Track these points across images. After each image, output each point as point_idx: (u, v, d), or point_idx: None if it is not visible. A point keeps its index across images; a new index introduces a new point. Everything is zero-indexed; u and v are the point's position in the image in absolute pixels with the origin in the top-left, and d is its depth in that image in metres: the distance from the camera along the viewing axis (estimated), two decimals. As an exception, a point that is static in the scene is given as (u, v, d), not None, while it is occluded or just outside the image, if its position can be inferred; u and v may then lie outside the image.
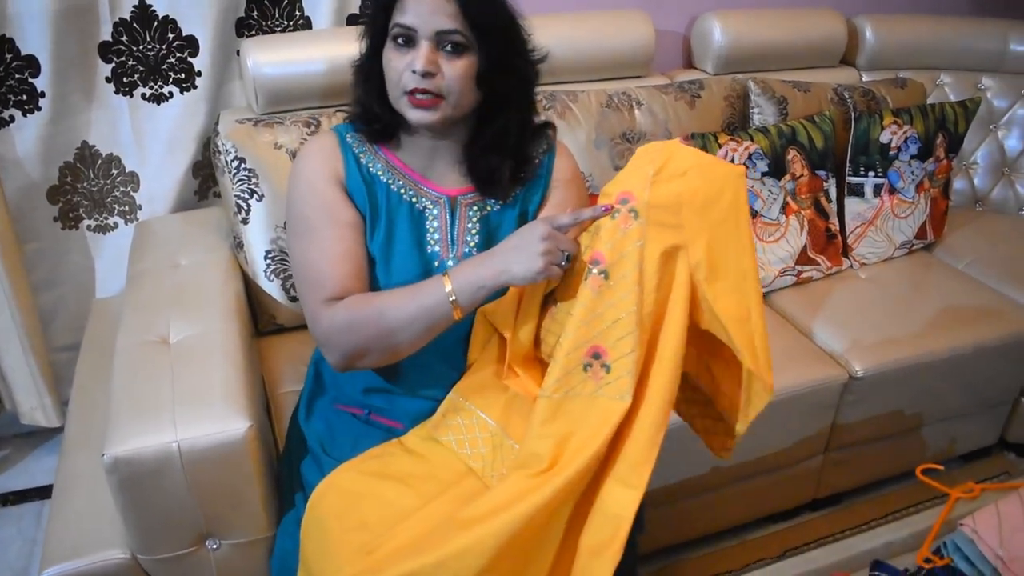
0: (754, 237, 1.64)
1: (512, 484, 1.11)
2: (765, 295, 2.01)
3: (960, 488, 1.63)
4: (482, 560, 1.03)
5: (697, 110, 2.16)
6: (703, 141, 2.04)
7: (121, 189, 1.98)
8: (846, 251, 2.23)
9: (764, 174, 2.06)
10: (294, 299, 1.78)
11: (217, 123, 1.82)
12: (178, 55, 1.88)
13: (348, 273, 1.27)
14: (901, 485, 2.19)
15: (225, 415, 1.26)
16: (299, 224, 1.31)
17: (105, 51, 1.83)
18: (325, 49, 1.87)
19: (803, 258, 2.12)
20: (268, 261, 1.76)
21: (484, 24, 1.21)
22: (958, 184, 2.67)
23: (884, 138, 2.21)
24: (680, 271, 1.14)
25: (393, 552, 1.10)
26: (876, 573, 1.46)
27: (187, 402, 1.28)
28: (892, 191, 2.23)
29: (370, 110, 1.32)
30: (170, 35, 1.86)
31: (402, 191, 1.34)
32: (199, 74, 1.91)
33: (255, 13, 1.93)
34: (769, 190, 2.07)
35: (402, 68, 1.21)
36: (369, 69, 1.30)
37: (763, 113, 2.23)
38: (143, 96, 1.90)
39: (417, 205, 1.34)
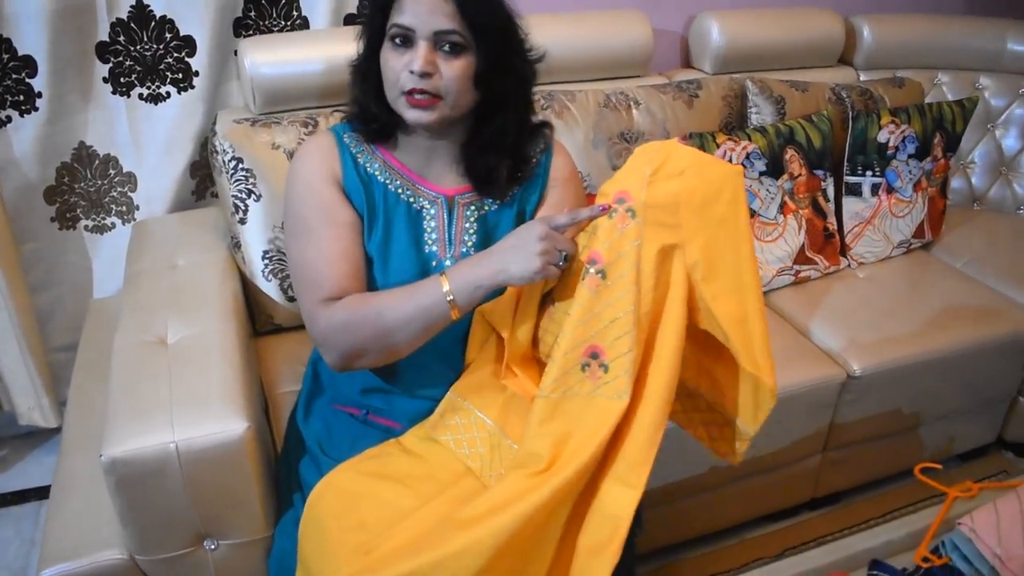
0: (753, 238, 1.64)
1: (510, 484, 1.11)
2: (763, 294, 2.01)
3: (958, 487, 1.63)
4: (480, 560, 1.03)
5: (695, 110, 2.16)
6: (701, 141, 2.04)
7: (118, 189, 1.98)
8: (844, 250, 2.23)
9: (762, 174, 2.06)
10: (292, 299, 1.78)
11: (214, 123, 1.81)
12: (175, 55, 1.88)
13: (346, 273, 1.27)
14: (899, 484, 2.19)
15: (223, 415, 1.26)
16: (296, 224, 1.30)
17: (102, 51, 1.83)
18: (323, 49, 1.87)
19: (801, 257, 2.12)
20: (266, 261, 1.76)
21: (482, 24, 1.21)
22: (956, 183, 2.67)
23: (882, 137, 2.21)
24: (677, 270, 1.14)
25: (391, 552, 1.10)
26: (874, 572, 1.46)
27: (185, 403, 1.28)
28: (890, 190, 2.24)
29: (367, 110, 1.32)
30: (167, 35, 1.86)
31: (399, 191, 1.34)
32: (196, 74, 1.91)
33: (252, 13, 1.93)
34: (767, 190, 2.07)
35: (400, 68, 1.21)
36: (366, 69, 1.30)
37: (761, 113, 2.23)
38: (140, 96, 1.90)
39: (415, 205, 1.34)
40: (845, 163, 2.21)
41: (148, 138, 1.94)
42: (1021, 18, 2.67)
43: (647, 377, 1.13)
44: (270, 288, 1.78)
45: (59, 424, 2.00)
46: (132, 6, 1.80)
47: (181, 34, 1.86)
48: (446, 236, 1.34)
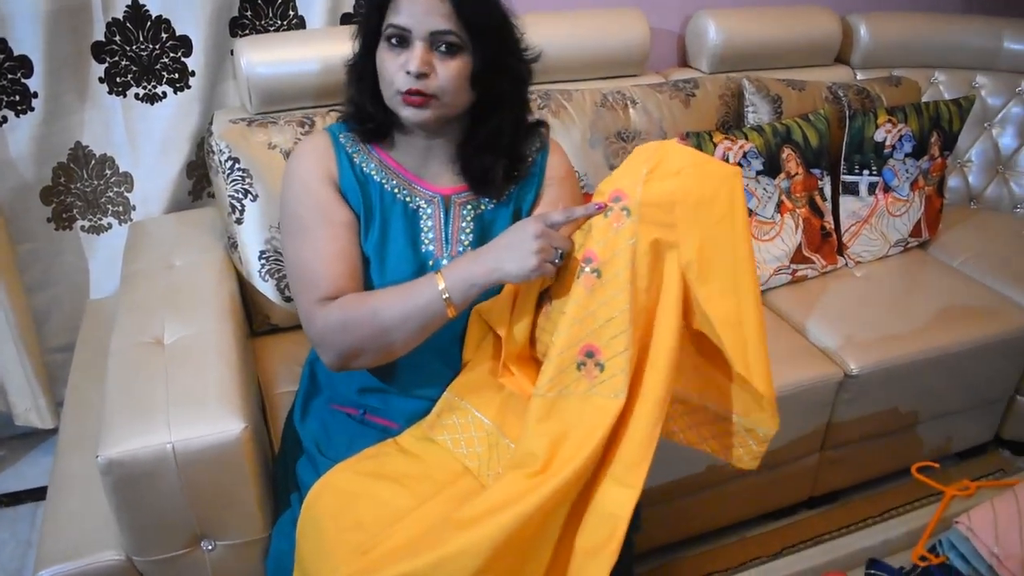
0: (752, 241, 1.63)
1: (508, 484, 1.11)
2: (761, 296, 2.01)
3: (956, 486, 1.63)
4: (478, 561, 1.03)
5: (692, 109, 2.16)
6: (698, 140, 2.04)
7: (115, 190, 1.98)
8: (841, 249, 2.23)
9: (759, 173, 2.06)
10: (289, 299, 1.78)
11: (211, 123, 1.81)
12: (171, 55, 1.88)
13: (342, 273, 1.27)
14: (897, 483, 2.19)
15: (220, 416, 1.26)
16: (293, 224, 1.30)
17: (98, 51, 1.82)
18: (319, 49, 1.86)
19: (798, 256, 2.12)
20: (262, 261, 1.76)
21: (478, 24, 1.21)
22: (952, 182, 2.67)
23: (879, 136, 2.21)
24: (673, 270, 1.13)
25: (389, 552, 1.10)
26: (872, 571, 1.46)
27: (182, 403, 1.28)
28: (887, 189, 2.24)
29: (363, 109, 1.32)
30: (163, 35, 1.85)
31: (396, 190, 1.34)
32: (192, 74, 1.90)
33: (249, 13, 1.93)
34: (764, 189, 2.07)
35: (396, 68, 1.21)
36: (362, 68, 1.30)
37: (758, 112, 2.23)
38: (136, 96, 1.90)
39: (411, 204, 1.34)
40: (842, 162, 2.21)
41: (144, 138, 1.93)
42: (1018, 16, 2.67)
43: (643, 377, 1.13)
44: (267, 288, 1.77)
45: (56, 425, 1.99)
46: (128, 6, 1.80)
47: (177, 34, 1.86)
48: (443, 235, 1.34)
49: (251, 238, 1.75)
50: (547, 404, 1.15)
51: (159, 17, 1.83)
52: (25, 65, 1.74)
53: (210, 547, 1.33)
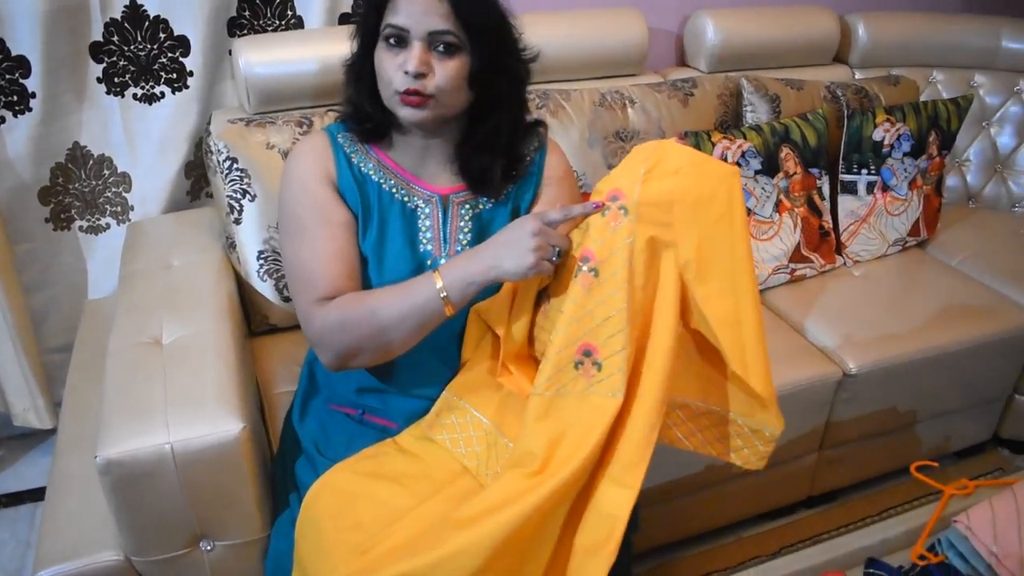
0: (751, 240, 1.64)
1: (507, 483, 1.11)
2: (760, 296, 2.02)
3: (954, 485, 1.63)
4: (477, 561, 1.03)
5: (690, 108, 2.16)
6: (696, 139, 2.04)
7: (113, 190, 1.97)
8: (839, 248, 2.23)
9: (757, 172, 2.06)
10: (287, 299, 1.78)
11: (209, 123, 1.81)
12: (169, 55, 1.87)
13: (340, 273, 1.27)
14: (896, 482, 2.19)
15: (218, 416, 1.26)
16: (291, 224, 1.30)
17: (96, 51, 1.82)
18: (317, 49, 1.86)
19: (797, 256, 2.12)
20: (261, 261, 1.76)
21: (476, 24, 1.20)
22: (951, 181, 2.68)
23: (877, 135, 2.21)
24: (669, 269, 1.13)
25: (388, 552, 1.10)
26: (871, 570, 1.46)
27: (180, 403, 1.28)
28: (885, 188, 2.24)
29: (361, 109, 1.32)
30: (161, 35, 1.85)
31: (394, 190, 1.34)
32: (191, 74, 1.90)
33: (247, 12, 1.93)
34: (762, 188, 2.07)
35: (394, 68, 1.21)
36: (360, 68, 1.30)
37: (756, 111, 2.23)
38: (135, 96, 1.89)
39: (409, 204, 1.34)
40: (840, 161, 2.21)
41: (142, 138, 1.93)
42: (1016, 16, 2.67)
43: (640, 377, 1.13)
44: (265, 288, 1.77)
45: (54, 425, 1.99)
46: (126, 6, 1.80)
47: (175, 34, 1.86)
48: (441, 235, 1.34)
49: (249, 238, 1.75)
50: (545, 403, 1.15)
51: (157, 17, 1.83)
52: (23, 65, 1.74)
53: (209, 547, 1.33)
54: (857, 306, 2.07)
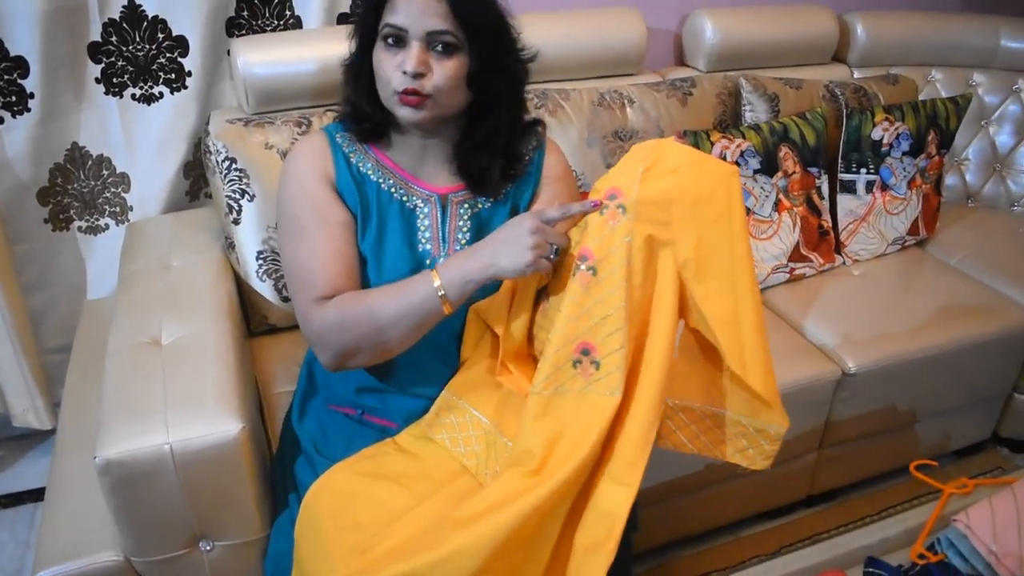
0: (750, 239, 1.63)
1: (506, 483, 1.11)
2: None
3: (953, 484, 1.63)
4: (478, 560, 1.03)
5: (689, 108, 2.16)
6: (695, 139, 2.04)
7: (112, 190, 1.97)
8: (839, 248, 2.24)
9: (756, 171, 2.06)
10: (286, 299, 1.78)
11: (208, 123, 1.81)
12: (168, 55, 1.87)
13: (339, 272, 1.27)
14: (895, 481, 2.19)
15: (218, 416, 1.26)
16: (290, 224, 1.30)
17: (95, 52, 1.82)
18: (316, 49, 1.86)
19: (796, 255, 2.12)
20: (260, 261, 1.76)
21: (474, 24, 1.20)
22: (950, 180, 2.67)
23: (876, 135, 2.21)
24: (667, 268, 1.13)
25: (387, 552, 1.10)
26: (871, 569, 1.46)
27: (179, 404, 1.28)
28: (884, 188, 2.24)
29: (360, 109, 1.32)
30: (160, 35, 1.85)
31: (392, 190, 1.34)
32: (189, 74, 1.90)
33: (245, 13, 1.93)
34: (761, 187, 2.07)
35: (392, 68, 1.21)
36: (359, 68, 1.30)
37: (755, 110, 2.23)
38: (133, 97, 1.89)
39: (408, 204, 1.34)
40: (839, 160, 2.21)
41: (141, 139, 1.93)
42: (1015, 15, 2.67)
43: (639, 375, 1.13)
44: (264, 288, 1.77)
45: (53, 426, 1.99)
46: (124, 6, 1.80)
47: (173, 34, 1.86)
48: (440, 235, 1.34)
49: (248, 238, 1.75)
50: (543, 402, 1.14)
51: (155, 17, 1.83)
52: (21, 66, 1.74)
53: (208, 547, 1.33)
54: (856, 305, 2.07)
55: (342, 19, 2.00)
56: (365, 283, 1.32)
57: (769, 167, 2.08)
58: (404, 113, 1.23)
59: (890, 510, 2.11)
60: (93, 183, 1.95)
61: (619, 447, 1.11)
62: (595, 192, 1.16)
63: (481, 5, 1.22)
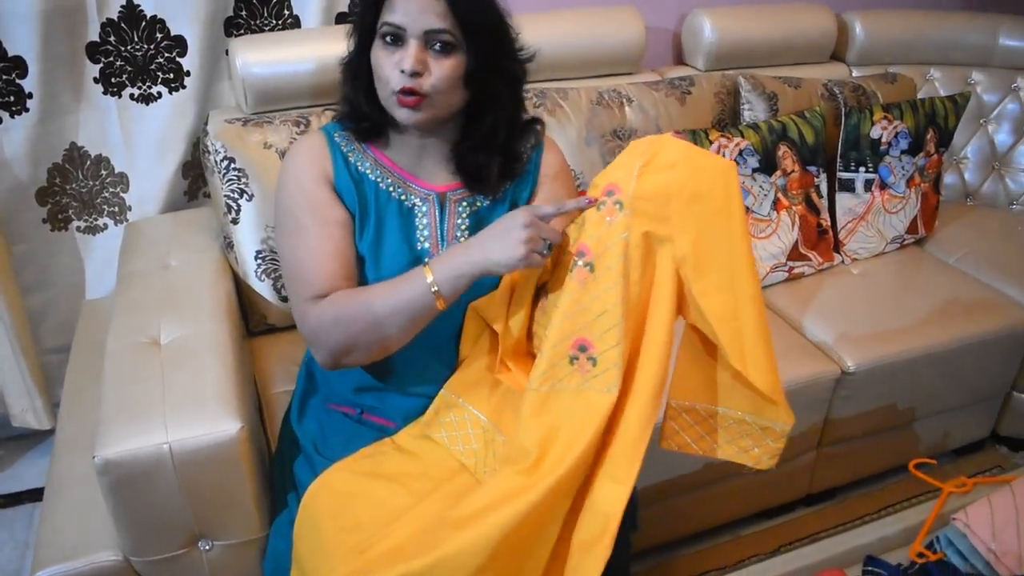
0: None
1: (502, 481, 1.11)
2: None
3: (952, 482, 1.63)
4: (477, 560, 1.03)
5: (688, 106, 2.16)
6: (694, 137, 2.03)
7: (110, 190, 1.97)
8: (837, 246, 2.24)
9: (755, 170, 2.06)
10: (285, 299, 1.78)
11: (206, 123, 1.81)
12: (166, 55, 1.87)
13: (336, 271, 1.27)
14: (894, 480, 2.19)
15: (217, 416, 1.26)
16: (288, 223, 1.30)
17: (93, 51, 1.82)
18: (314, 48, 1.86)
19: (795, 254, 2.12)
20: (258, 261, 1.76)
21: (473, 23, 1.20)
22: (949, 179, 2.67)
23: (874, 133, 2.21)
24: (665, 264, 1.13)
25: (387, 552, 1.10)
26: (870, 568, 1.46)
27: (178, 403, 1.28)
28: (883, 186, 2.24)
29: (358, 108, 1.32)
30: (158, 35, 1.85)
31: (391, 189, 1.34)
32: (188, 74, 1.90)
33: (244, 12, 1.93)
34: (760, 186, 2.07)
35: (390, 67, 1.21)
36: (357, 67, 1.30)
37: (753, 109, 2.23)
38: (132, 96, 1.89)
39: (406, 203, 1.34)
40: (838, 159, 2.21)
41: (140, 138, 1.93)
42: (1013, 13, 2.67)
43: (635, 373, 1.12)
44: (263, 288, 1.77)
45: (52, 426, 1.99)
46: (122, 6, 1.80)
47: (172, 34, 1.86)
48: (438, 233, 1.34)
49: (247, 238, 1.75)
50: (540, 398, 1.14)
51: (154, 17, 1.83)
52: (19, 66, 1.74)
53: (207, 547, 1.33)
54: (855, 304, 2.07)
55: (340, 19, 2.00)
56: (363, 282, 1.31)
57: (768, 166, 2.08)
58: (402, 115, 1.23)
59: (889, 509, 2.11)
60: (92, 183, 1.95)
61: (615, 445, 1.11)
62: (593, 188, 1.15)
63: (479, 4, 1.22)
